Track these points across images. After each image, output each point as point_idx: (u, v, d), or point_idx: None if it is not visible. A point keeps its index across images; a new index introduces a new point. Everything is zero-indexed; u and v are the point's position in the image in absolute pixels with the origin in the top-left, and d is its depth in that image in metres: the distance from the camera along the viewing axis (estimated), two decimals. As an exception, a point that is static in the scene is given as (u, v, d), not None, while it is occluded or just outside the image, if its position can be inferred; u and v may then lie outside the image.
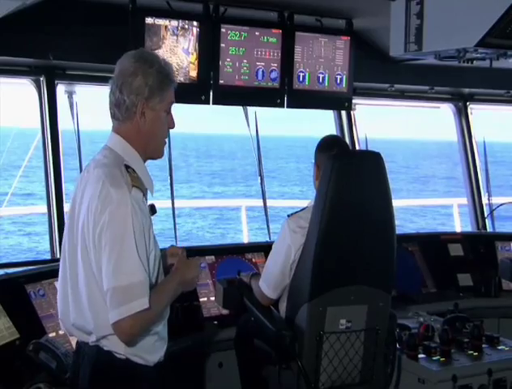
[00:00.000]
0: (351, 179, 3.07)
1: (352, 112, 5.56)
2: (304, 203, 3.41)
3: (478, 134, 6.18)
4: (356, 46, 4.79)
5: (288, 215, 3.31)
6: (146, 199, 2.45)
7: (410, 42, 3.75)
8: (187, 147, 51.51)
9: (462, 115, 6.14)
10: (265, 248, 3.40)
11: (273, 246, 3.35)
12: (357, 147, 5.63)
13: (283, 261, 3.22)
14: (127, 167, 2.40)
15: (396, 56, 3.99)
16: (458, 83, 5.83)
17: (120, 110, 2.45)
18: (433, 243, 5.26)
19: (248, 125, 5.06)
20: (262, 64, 4.49)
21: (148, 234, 2.37)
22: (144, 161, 2.52)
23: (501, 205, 6.24)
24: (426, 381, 3.29)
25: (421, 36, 3.68)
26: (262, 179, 5.40)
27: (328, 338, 3.07)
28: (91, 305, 2.38)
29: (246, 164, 37.46)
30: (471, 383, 3.31)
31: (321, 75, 4.73)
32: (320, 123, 6.26)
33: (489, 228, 6.07)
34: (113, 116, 2.48)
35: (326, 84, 4.75)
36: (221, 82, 4.34)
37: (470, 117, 6.13)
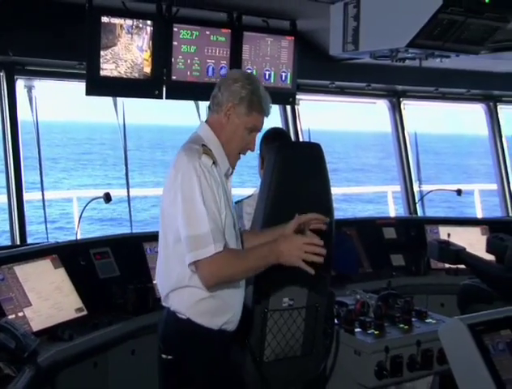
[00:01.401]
0: (293, 169, 3.06)
1: (295, 106, 5.56)
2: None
3: (410, 127, 6.28)
4: (299, 46, 4.79)
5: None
6: (219, 169, 2.57)
7: (347, 42, 3.76)
8: (142, 137, 50.74)
9: (396, 110, 6.20)
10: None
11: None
12: (301, 139, 5.64)
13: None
14: (203, 145, 2.55)
15: (335, 55, 4.00)
16: (392, 81, 5.89)
17: (213, 102, 2.65)
18: (369, 227, 5.32)
19: (199, 118, 5.01)
20: (213, 61, 4.45)
21: (221, 197, 2.51)
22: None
23: (430, 192, 6.33)
24: (361, 352, 3.31)
25: (358, 37, 3.69)
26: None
27: (272, 315, 3.06)
28: (162, 263, 2.59)
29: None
30: (401, 353, 3.34)
31: (267, 72, 4.72)
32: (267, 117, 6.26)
33: (420, 213, 6.16)
34: (209, 106, 2.70)
35: (272, 81, 4.75)
36: (174, 78, 4.30)
37: (403, 111, 6.21)
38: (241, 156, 2.73)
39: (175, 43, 4.26)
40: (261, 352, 3.05)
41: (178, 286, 2.52)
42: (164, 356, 2.57)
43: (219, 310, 2.56)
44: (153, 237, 4.18)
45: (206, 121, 2.69)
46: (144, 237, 4.21)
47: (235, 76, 2.66)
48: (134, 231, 4.73)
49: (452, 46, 3.51)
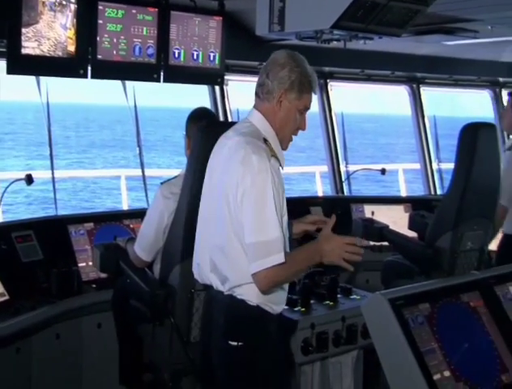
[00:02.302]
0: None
1: (224, 87, 5.51)
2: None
3: (337, 108, 6.32)
4: (228, 26, 4.73)
5: (161, 183, 3.23)
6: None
7: (274, 23, 3.73)
8: (66, 117, 49.31)
9: (323, 91, 6.23)
10: (142, 214, 3.31)
11: (147, 212, 3.27)
12: (230, 119, 5.60)
13: (156, 225, 3.15)
14: (265, 140, 2.50)
15: (262, 35, 3.97)
16: (319, 63, 5.89)
17: (262, 90, 2.56)
18: (298, 206, 5.31)
19: (126, 98, 4.90)
20: (139, 40, 4.35)
21: (283, 200, 2.48)
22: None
23: (356, 172, 6.42)
24: (288, 330, 3.32)
25: (283, 18, 3.67)
26: (140, 150, 5.29)
27: (199, 295, 3.03)
28: (229, 257, 2.48)
29: (125, 134, 36.41)
30: (327, 329, 3.37)
31: (195, 53, 4.65)
32: (197, 96, 6.20)
33: (346, 192, 6.24)
34: (256, 94, 2.60)
35: (200, 61, 4.69)
36: (99, 57, 4.18)
37: (330, 92, 6.24)
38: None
39: (100, 21, 4.15)
40: (188, 333, 3.02)
41: (250, 280, 2.48)
42: (233, 343, 2.52)
43: (282, 298, 2.63)
44: (78, 220, 4.11)
45: (257, 109, 2.60)
46: (69, 219, 4.11)
47: (281, 61, 2.55)
48: (58, 213, 4.61)
49: (375, 28, 3.54)
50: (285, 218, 2.53)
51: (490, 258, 4.24)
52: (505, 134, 5.17)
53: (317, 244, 2.51)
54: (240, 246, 2.46)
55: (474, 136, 3.97)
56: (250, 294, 2.50)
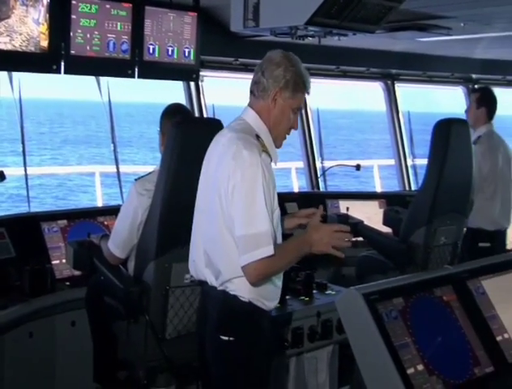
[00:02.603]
0: (192, 144, 3.00)
1: (200, 83, 5.49)
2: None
3: (313, 104, 6.33)
4: (202, 22, 4.71)
5: (136, 179, 3.20)
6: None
7: (248, 19, 3.72)
8: (39, 113, 48.65)
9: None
10: (117, 211, 3.27)
11: (121, 209, 3.23)
12: (205, 115, 5.57)
13: (130, 222, 3.11)
14: (258, 136, 2.55)
15: (236, 31, 3.96)
16: (294, 59, 5.89)
17: (257, 88, 2.61)
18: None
19: (100, 93, 4.85)
20: (113, 36, 4.31)
21: (274, 194, 2.52)
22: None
23: (331, 168, 6.43)
24: (263, 325, 3.32)
25: (258, 14, 3.66)
26: (115, 146, 5.24)
27: (174, 292, 3.02)
28: (221, 250, 2.52)
29: (100, 130, 35.98)
30: (302, 325, 3.39)
31: (170, 48, 4.62)
32: (172, 92, 6.16)
33: (322, 188, 6.25)
34: (251, 92, 2.65)
35: (175, 57, 4.66)
36: (72, 52, 4.13)
37: (305, 89, 6.22)
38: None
39: (73, 16, 4.10)
40: (163, 330, 3.00)
41: (240, 274, 2.50)
42: (224, 337, 2.54)
43: (274, 294, 2.64)
44: (51, 217, 4.05)
45: (251, 107, 2.64)
46: (42, 216, 4.04)
47: (276, 60, 2.61)
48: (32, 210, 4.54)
49: (349, 25, 3.55)
50: (277, 212, 2.56)
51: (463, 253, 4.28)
52: None
53: (306, 234, 2.54)
54: (231, 239, 2.48)
55: (447, 132, 4.01)
56: (242, 290, 2.52)
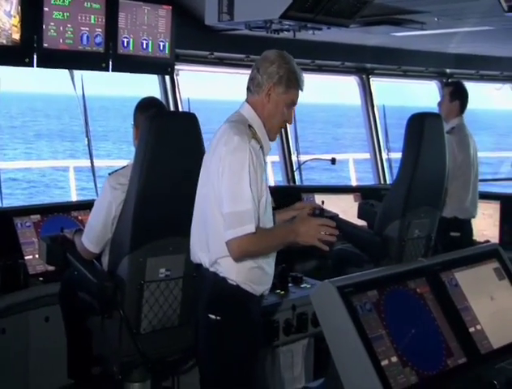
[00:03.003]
0: (167, 138, 2.99)
1: (175, 76, 5.45)
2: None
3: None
4: (177, 15, 4.67)
5: (109, 174, 3.17)
6: (263, 154, 2.73)
7: (223, 12, 3.71)
8: (12, 107, 47.86)
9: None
10: (91, 206, 3.23)
11: (95, 203, 3.19)
12: (180, 109, 5.53)
13: (104, 216, 3.08)
14: (250, 126, 2.71)
15: (211, 25, 3.94)
16: (269, 53, 5.87)
17: (253, 84, 2.78)
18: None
19: (74, 87, 4.79)
20: (87, 29, 4.26)
21: (261, 179, 2.65)
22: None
23: (306, 162, 6.43)
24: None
25: (233, 7, 3.66)
26: (89, 140, 5.18)
27: (149, 286, 3.00)
28: (212, 229, 2.67)
29: (74, 124, 35.50)
30: (278, 318, 3.39)
31: (144, 42, 4.59)
32: (147, 86, 6.11)
33: (298, 182, 6.25)
34: (248, 88, 2.81)
35: (150, 50, 4.63)
36: (45, 45, 4.08)
37: (281, 83, 6.21)
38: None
39: (46, 9, 4.05)
40: (137, 325, 2.98)
41: (227, 254, 2.65)
42: (212, 316, 2.69)
43: (262, 279, 2.75)
44: (24, 212, 3.99)
45: (247, 102, 2.81)
46: (14, 211, 3.98)
47: (271, 58, 2.77)
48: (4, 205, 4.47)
49: (323, 19, 3.56)
50: (266, 199, 2.70)
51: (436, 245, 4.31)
52: None
53: (293, 225, 2.67)
54: (220, 218, 2.63)
55: (420, 126, 4.03)
56: (230, 272, 2.67)
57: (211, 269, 2.70)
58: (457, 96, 4.82)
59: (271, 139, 2.83)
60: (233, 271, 2.67)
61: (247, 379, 2.75)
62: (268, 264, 2.77)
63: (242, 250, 2.62)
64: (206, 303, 2.72)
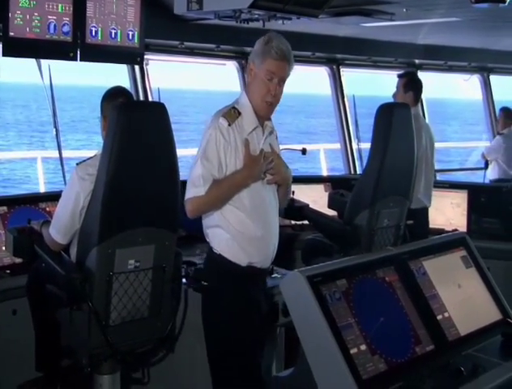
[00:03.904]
0: (135, 127, 2.94)
1: (145, 66, 5.39)
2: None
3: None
4: (147, 4, 4.60)
5: (77, 164, 3.11)
6: (242, 130, 2.90)
7: (192, 2, 3.69)
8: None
9: (245, 71, 6.18)
10: (59, 197, 3.17)
11: (62, 194, 3.14)
12: (150, 99, 5.48)
13: (72, 207, 3.03)
14: (234, 107, 2.91)
15: (180, 14, 3.90)
16: (240, 43, 5.85)
17: (247, 70, 3.00)
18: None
19: (41, 76, 4.70)
20: (54, 18, 4.18)
21: (224, 153, 2.87)
22: (262, 120, 2.97)
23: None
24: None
25: (202, -4, 3.61)
26: (57, 130, 5.10)
27: (118, 278, 2.96)
28: None
29: (42, 115, 34.87)
30: (249, 308, 3.36)
31: (113, 31, 4.51)
32: (116, 76, 6.02)
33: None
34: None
35: (119, 40, 4.55)
36: (11, 34, 4.00)
37: (250, 73, 6.19)
38: (272, 107, 2.96)
39: (12, -3, 3.95)
40: (106, 317, 2.94)
41: (211, 225, 2.96)
42: (203, 282, 3.06)
43: (241, 251, 2.94)
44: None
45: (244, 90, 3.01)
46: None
47: (259, 41, 2.93)
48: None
49: (293, 8, 3.55)
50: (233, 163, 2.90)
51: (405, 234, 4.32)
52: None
53: (239, 170, 2.89)
54: None
55: (389, 116, 4.03)
56: (213, 242, 2.98)
57: (207, 239, 3.02)
58: (410, 87, 4.82)
59: (262, 117, 2.96)
60: (215, 242, 2.96)
61: (236, 351, 2.94)
62: (249, 242, 2.93)
63: (194, 209, 2.91)
64: (202, 272, 3.11)
